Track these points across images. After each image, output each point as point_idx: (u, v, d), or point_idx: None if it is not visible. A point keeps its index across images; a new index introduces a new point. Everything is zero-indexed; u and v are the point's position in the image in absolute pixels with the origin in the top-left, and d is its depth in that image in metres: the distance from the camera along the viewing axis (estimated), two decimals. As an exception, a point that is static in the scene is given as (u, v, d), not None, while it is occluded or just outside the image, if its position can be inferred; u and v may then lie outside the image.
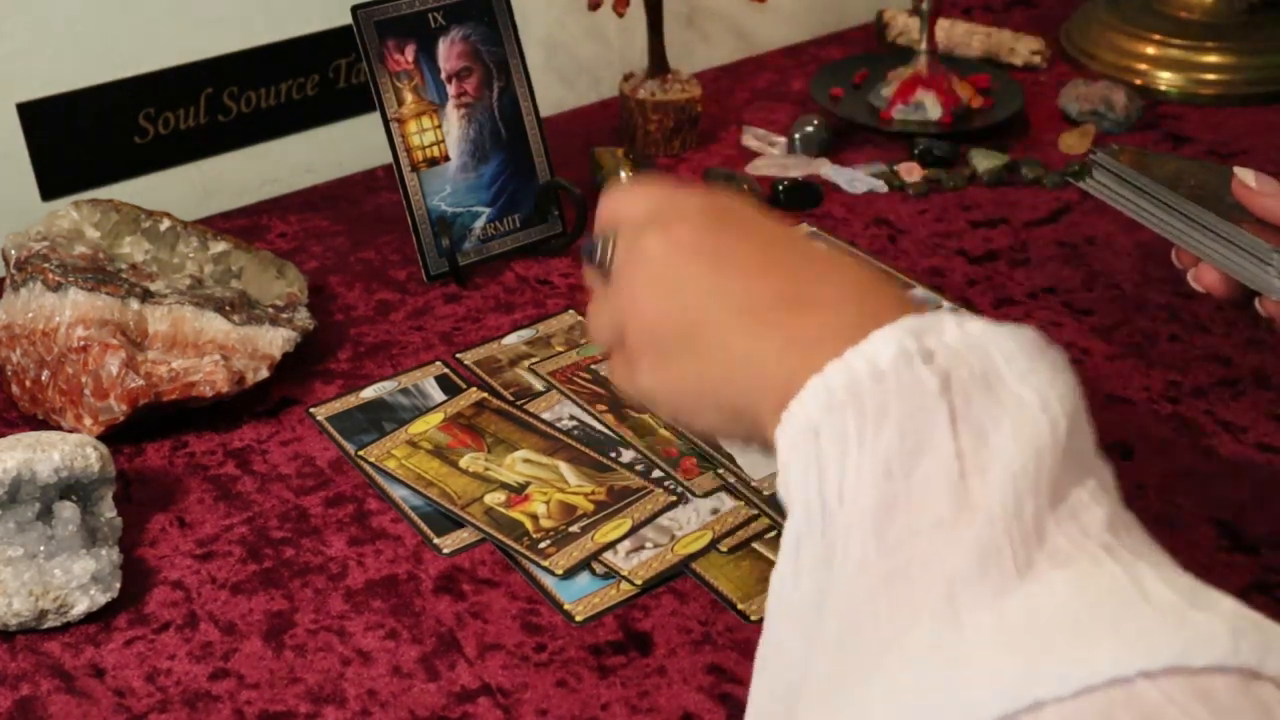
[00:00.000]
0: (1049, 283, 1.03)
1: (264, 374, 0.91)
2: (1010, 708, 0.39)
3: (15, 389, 0.90)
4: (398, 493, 0.84)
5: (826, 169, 1.18)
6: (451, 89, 1.04)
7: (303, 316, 0.96)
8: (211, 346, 0.91)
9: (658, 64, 1.21)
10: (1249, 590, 0.75)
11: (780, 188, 1.14)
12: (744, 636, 0.74)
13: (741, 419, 0.53)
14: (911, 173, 1.17)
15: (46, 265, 0.91)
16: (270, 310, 0.95)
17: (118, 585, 0.77)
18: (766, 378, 0.51)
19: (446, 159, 1.04)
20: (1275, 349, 0.95)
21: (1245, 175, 0.77)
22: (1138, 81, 1.30)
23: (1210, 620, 0.40)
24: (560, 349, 0.97)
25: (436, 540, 0.81)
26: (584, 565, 0.79)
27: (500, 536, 0.80)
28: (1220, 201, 0.78)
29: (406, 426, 0.89)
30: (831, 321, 0.50)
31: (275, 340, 0.92)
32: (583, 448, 0.87)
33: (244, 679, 0.72)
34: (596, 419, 0.90)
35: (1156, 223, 0.80)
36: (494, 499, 0.83)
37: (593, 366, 0.94)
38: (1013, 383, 0.46)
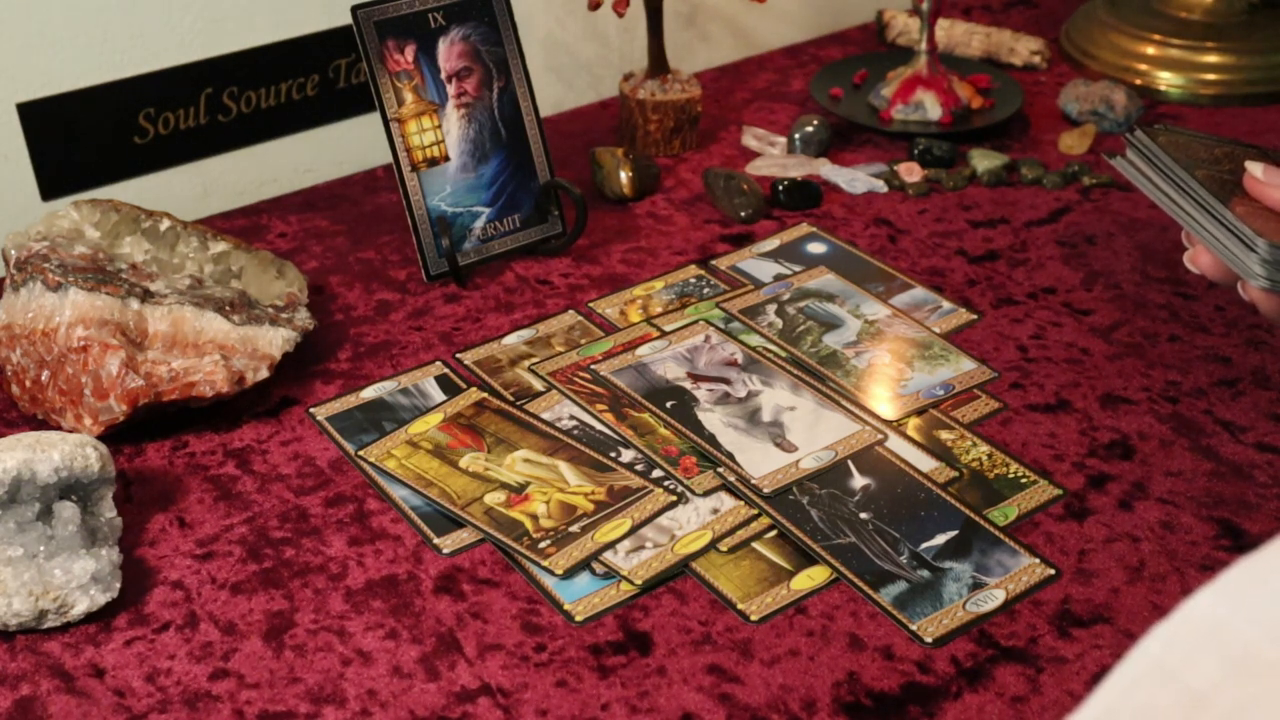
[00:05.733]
0: (1049, 283, 1.03)
1: (264, 374, 0.91)
2: None
3: (15, 389, 0.90)
4: (398, 493, 0.84)
5: (826, 169, 1.18)
6: (451, 89, 1.04)
7: (303, 316, 0.96)
8: (211, 346, 0.91)
9: (658, 64, 1.21)
10: (1249, 590, 0.75)
11: (780, 188, 1.14)
12: (744, 636, 0.74)
13: None
14: (911, 173, 1.17)
15: (46, 265, 0.91)
16: (270, 310, 0.95)
17: (118, 585, 0.77)
18: None
19: (446, 159, 1.04)
20: (1275, 349, 0.95)
21: (1254, 168, 0.80)
22: (1138, 81, 1.30)
23: None
24: (560, 349, 0.97)
25: (436, 540, 0.81)
26: (584, 565, 0.79)
27: (500, 536, 0.80)
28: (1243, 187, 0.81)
29: (406, 426, 0.89)
30: None
31: (275, 340, 0.92)
32: (583, 448, 0.87)
33: (244, 679, 0.72)
34: (596, 419, 0.90)
35: (1166, 202, 0.83)
36: (494, 499, 0.83)
37: (592, 366, 0.94)
38: None
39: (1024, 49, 1.35)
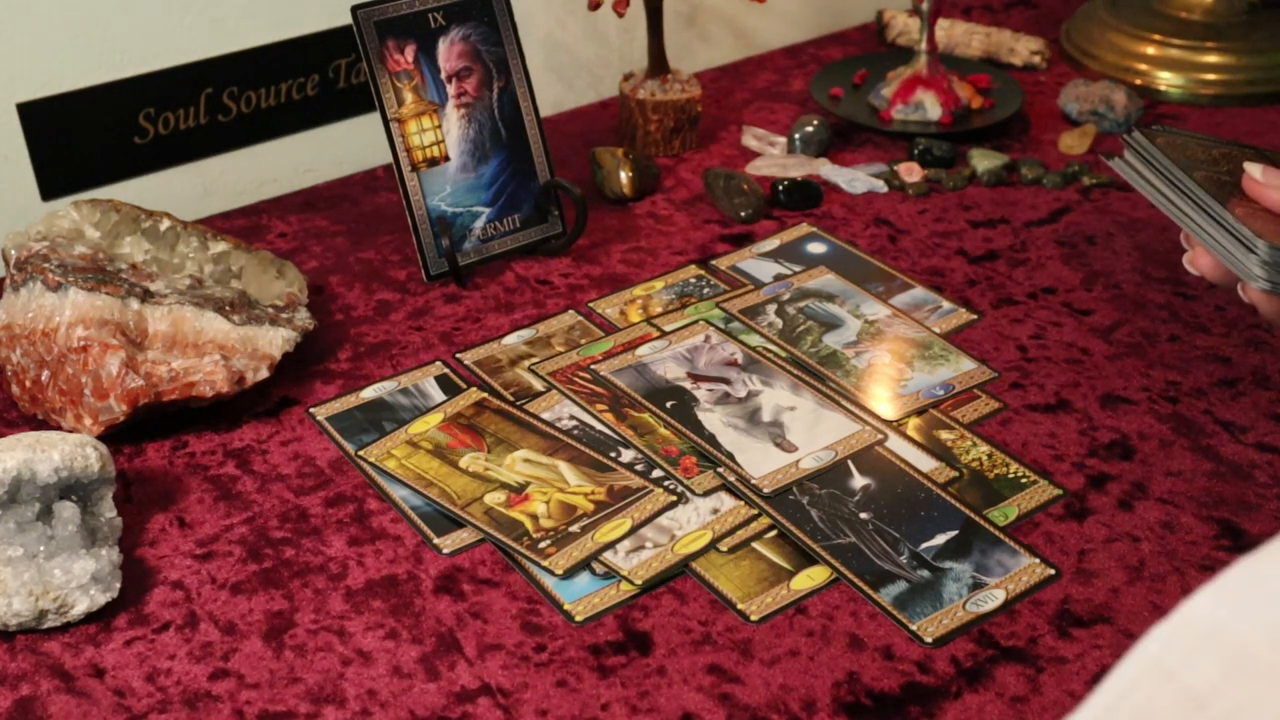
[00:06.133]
0: (1049, 283, 1.03)
1: (264, 374, 0.91)
2: None
3: (15, 389, 0.90)
4: (398, 493, 0.84)
5: (826, 169, 1.18)
6: (451, 89, 1.04)
7: (303, 316, 0.96)
8: (211, 346, 0.91)
9: (658, 64, 1.21)
10: (1249, 590, 0.75)
11: (780, 188, 1.14)
12: (744, 636, 0.74)
13: None
14: (911, 173, 1.17)
15: (46, 265, 0.91)
16: (270, 310, 0.95)
17: (118, 585, 0.76)
18: None
19: (446, 159, 1.04)
20: (1275, 349, 0.95)
21: (1253, 169, 0.79)
22: (1138, 81, 1.30)
23: None
24: (560, 349, 0.97)
25: (436, 540, 0.81)
26: (584, 565, 0.79)
27: (500, 536, 0.80)
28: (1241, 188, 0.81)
29: (406, 426, 0.89)
30: None
31: (275, 340, 0.92)
32: (583, 448, 0.87)
33: (244, 679, 0.72)
34: (596, 419, 0.90)
35: (1165, 203, 0.82)
36: (494, 499, 0.83)
37: (592, 366, 0.94)
38: None
39: (1024, 49, 1.35)
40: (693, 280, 1.04)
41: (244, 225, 1.13)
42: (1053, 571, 0.77)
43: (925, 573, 0.77)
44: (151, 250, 0.96)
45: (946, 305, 1.01)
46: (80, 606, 0.75)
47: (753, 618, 0.75)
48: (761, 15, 1.39)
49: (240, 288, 0.97)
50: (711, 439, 0.87)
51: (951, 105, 1.23)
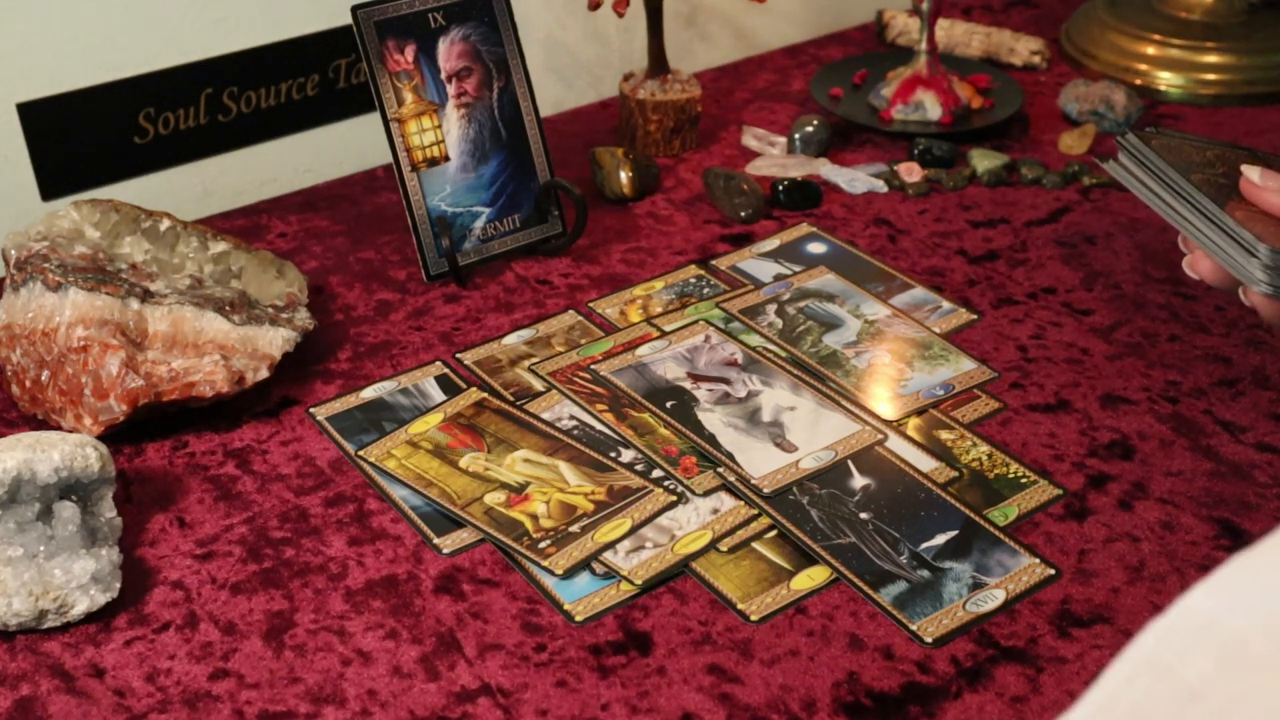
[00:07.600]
0: (1049, 283, 1.03)
1: (264, 374, 0.91)
2: None
3: (15, 389, 0.90)
4: (398, 493, 0.84)
5: (826, 169, 1.18)
6: (451, 89, 1.04)
7: (303, 316, 0.96)
8: (211, 346, 0.91)
9: (658, 64, 1.21)
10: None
11: (780, 188, 1.14)
12: (744, 636, 0.74)
13: None
14: (911, 173, 1.17)
15: (46, 265, 0.91)
16: (270, 310, 0.95)
17: (118, 585, 0.77)
18: None
19: (446, 159, 1.04)
20: (1275, 349, 0.95)
21: (1251, 172, 0.79)
22: (1138, 81, 1.30)
23: None
24: (560, 349, 0.97)
25: (436, 540, 0.81)
26: (584, 565, 0.79)
27: (500, 536, 0.80)
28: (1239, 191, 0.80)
29: (406, 426, 0.89)
30: None
31: (275, 340, 0.92)
32: (583, 447, 0.87)
33: (244, 679, 0.72)
34: (596, 419, 0.90)
35: (1162, 207, 0.82)
36: (494, 499, 0.83)
37: (592, 366, 0.94)
38: None
39: (1024, 49, 1.35)
40: (693, 280, 1.04)
41: (244, 225, 1.13)
42: (1053, 571, 0.77)
43: (925, 573, 0.77)
44: (151, 250, 0.96)
45: (946, 305, 1.01)
46: (80, 606, 0.75)
47: (753, 618, 0.75)
48: (761, 15, 1.39)
49: (240, 288, 0.97)
50: (711, 439, 0.87)
51: (951, 105, 1.23)
